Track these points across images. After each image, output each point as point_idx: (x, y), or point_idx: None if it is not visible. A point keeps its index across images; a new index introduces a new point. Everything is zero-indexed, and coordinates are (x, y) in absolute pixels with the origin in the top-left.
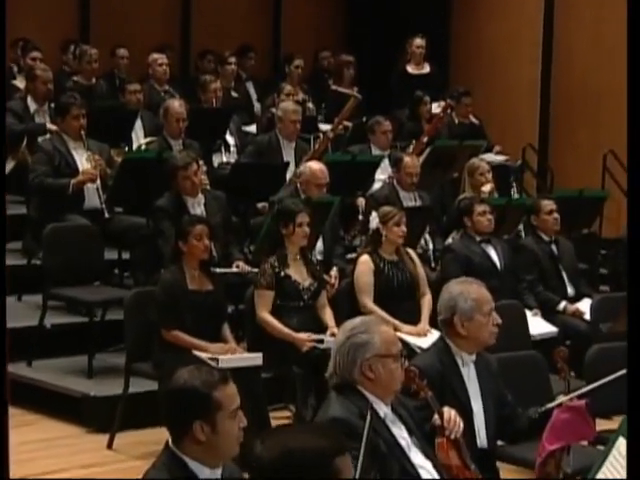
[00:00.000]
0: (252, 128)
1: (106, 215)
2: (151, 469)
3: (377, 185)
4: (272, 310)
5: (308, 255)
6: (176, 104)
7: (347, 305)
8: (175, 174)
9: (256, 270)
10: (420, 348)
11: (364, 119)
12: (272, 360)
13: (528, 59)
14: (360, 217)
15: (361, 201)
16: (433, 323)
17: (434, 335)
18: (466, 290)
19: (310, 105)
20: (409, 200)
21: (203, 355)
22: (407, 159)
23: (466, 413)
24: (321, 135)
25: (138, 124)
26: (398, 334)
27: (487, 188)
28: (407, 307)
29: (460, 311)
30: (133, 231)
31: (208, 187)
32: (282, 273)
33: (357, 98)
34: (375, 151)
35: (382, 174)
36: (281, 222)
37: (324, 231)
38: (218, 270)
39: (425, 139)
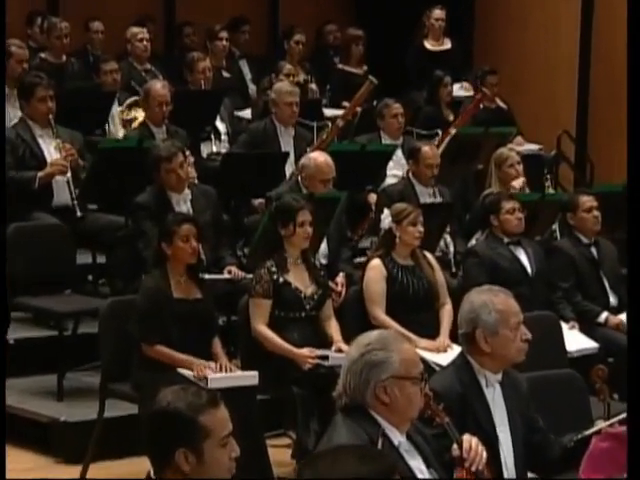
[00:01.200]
0: (246, 113)
1: (78, 214)
2: None
3: (389, 181)
4: (269, 322)
5: (311, 259)
6: (159, 86)
7: (355, 316)
8: (158, 166)
9: (251, 276)
10: (439, 365)
11: (375, 103)
12: (269, 380)
13: (565, 33)
14: (372, 215)
15: (372, 197)
16: (454, 337)
17: (455, 351)
18: (490, 300)
19: (313, 86)
20: (427, 196)
21: (190, 374)
22: (425, 148)
23: (490, 441)
24: (328, 123)
25: (115, 109)
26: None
27: (518, 183)
28: (424, 319)
29: (483, 325)
30: (110, 231)
31: (196, 181)
32: (281, 279)
33: (373, 82)
34: (385, 140)
35: (395, 169)
36: (279, 221)
37: (329, 231)
38: (207, 276)
39: (453, 131)
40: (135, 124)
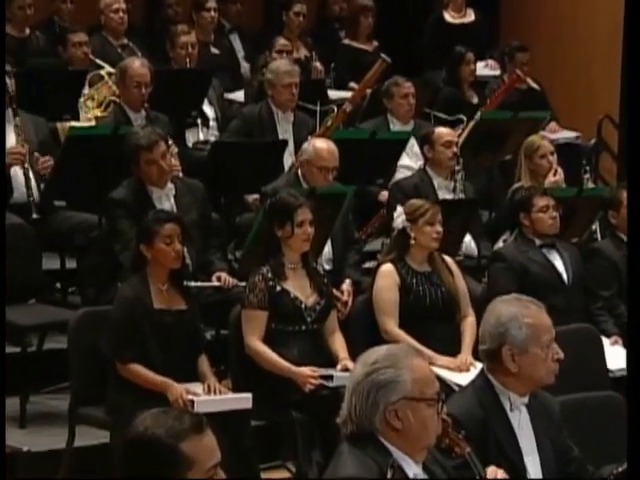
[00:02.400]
0: (238, 96)
1: (33, 215)
2: None
3: (401, 174)
4: (265, 336)
5: (312, 264)
6: (137, 64)
7: (364, 330)
8: (136, 157)
9: (244, 284)
10: (460, 386)
11: (386, 84)
12: (265, 403)
13: (606, 1)
14: (382, 213)
15: (383, 193)
16: (478, 353)
17: (479, 369)
18: (520, 313)
19: (318, 65)
20: (446, 190)
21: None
22: (440, 129)
23: (517, 472)
24: (333, 107)
25: (87, 90)
26: (433, 368)
27: (556, 177)
28: (443, 333)
29: (511, 341)
30: (81, 232)
31: (180, 174)
32: (278, 288)
33: (385, 61)
34: (394, 124)
35: (407, 158)
36: (276, 220)
37: (333, 232)
38: (193, 284)
39: (478, 115)
40: (92, 105)
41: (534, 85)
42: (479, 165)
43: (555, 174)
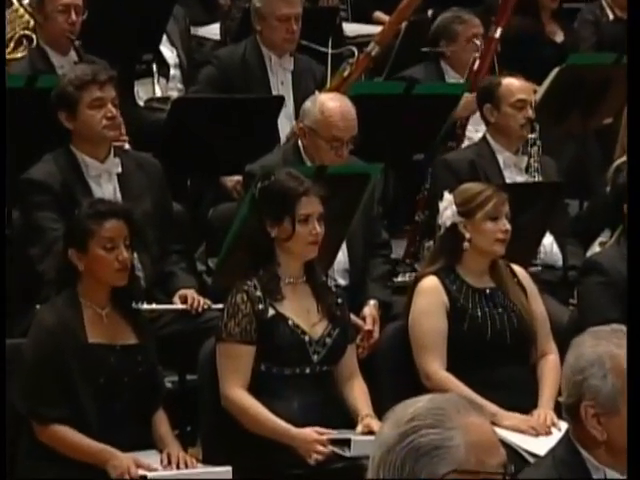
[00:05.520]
0: (212, 31)
1: None
2: None
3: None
4: (251, 384)
5: (320, 277)
6: None
7: (396, 373)
8: (74, 100)
9: (220, 306)
10: (536, 456)
11: (430, 14)
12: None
13: None
14: (419, 216)
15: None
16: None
17: (563, 432)
18: (609, 354)
19: None
20: (516, 170)
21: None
22: (510, 81)
23: None
24: (352, 48)
25: None
26: (497, 430)
27: None
28: (512, 377)
29: (593, 396)
30: None
31: (127, 145)
32: (270, 312)
33: None
34: (451, 79)
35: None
36: (269, 214)
37: (351, 231)
38: (147, 307)
39: (497, 34)
40: None
41: None
42: (565, 133)
43: None
